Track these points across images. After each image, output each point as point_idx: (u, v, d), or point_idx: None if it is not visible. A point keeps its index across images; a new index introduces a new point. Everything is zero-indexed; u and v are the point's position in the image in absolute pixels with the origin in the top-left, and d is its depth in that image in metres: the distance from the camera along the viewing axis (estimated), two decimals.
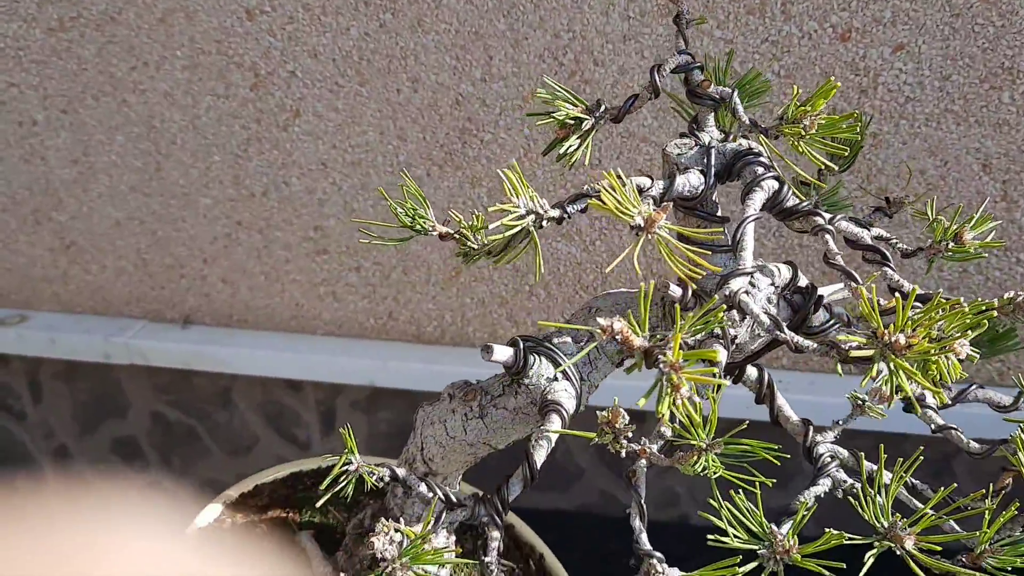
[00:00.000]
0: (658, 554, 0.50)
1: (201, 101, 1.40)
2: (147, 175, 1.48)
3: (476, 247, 0.59)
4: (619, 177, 0.48)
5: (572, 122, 0.59)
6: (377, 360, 1.46)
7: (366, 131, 1.36)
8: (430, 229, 0.58)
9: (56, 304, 1.64)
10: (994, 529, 0.47)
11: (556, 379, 0.57)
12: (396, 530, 0.52)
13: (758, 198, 0.54)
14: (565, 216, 0.55)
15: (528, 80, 1.27)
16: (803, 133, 0.53)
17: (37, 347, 1.61)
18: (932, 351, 0.43)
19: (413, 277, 1.44)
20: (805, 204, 0.55)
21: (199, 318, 1.57)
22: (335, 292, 1.49)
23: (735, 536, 0.46)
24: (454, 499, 0.55)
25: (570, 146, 0.59)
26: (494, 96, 1.29)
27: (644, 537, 0.51)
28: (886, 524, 0.48)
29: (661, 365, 0.42)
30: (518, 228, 0.52)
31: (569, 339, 0.59)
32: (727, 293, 0.50)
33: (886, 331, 0.44)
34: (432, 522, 0.53)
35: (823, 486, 0.53)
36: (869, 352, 0.45)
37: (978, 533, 0.47)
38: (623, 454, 0.50)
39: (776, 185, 0.54)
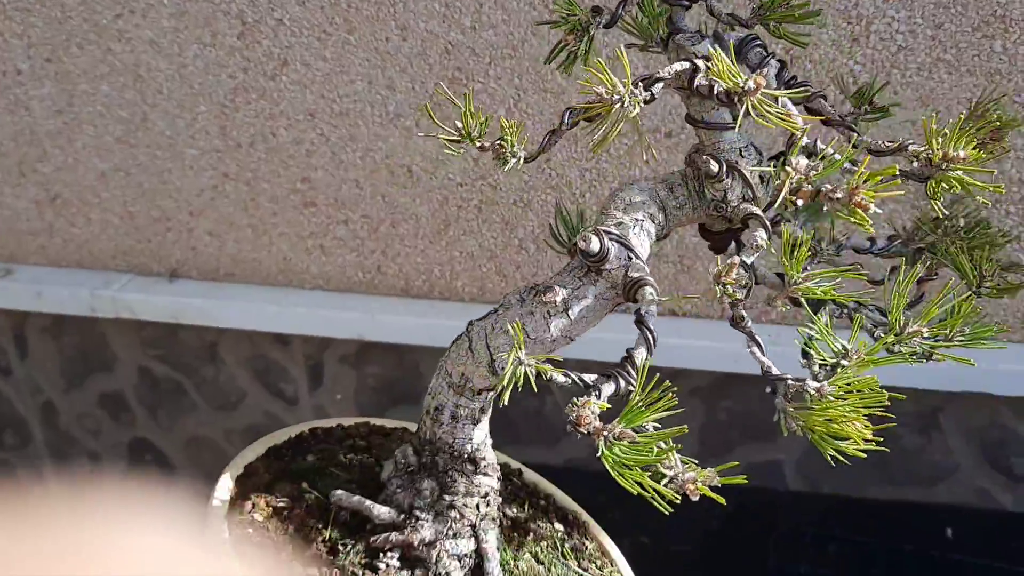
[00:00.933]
0: (790, 376, 0.58)
1: (187, 50, 1.38)
2: (133, 126, 1.46)
3: (515, 153, 0.66)
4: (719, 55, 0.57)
5: (580, 29, 0.66)
6: (365, 314, 1.46)
7: (354, 80, 1.35)
8: (477, 138, 0.65)
9: (42, 257, 1.63)
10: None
11: (631, 259, 0.64)
12: (595, 403, 0.55)
13: (771, 74, 0.62)
14: (653, 97, 0.61)
15: (518, 28, 1.26)
16: (787, 16, 0.60)
17: (23, 301, 1.60)
18: (979, 158, 0.57)
19: (401, 230, 1.43)
20: (794, 75, 0.62)
21: (186, 271, 1.56)
22: (323, 245, 1.48)
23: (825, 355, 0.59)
24: (588, 381, 0.59)
25: (576, 48, 0.67)
26: (484, 45, 1.28)
27: (772, 367, 0.60)
28: None
29: (837, 194, 0.54)
30: (632, 113, 0.58)
31: (627, 228, 0.66)
32: (804, 144, 0.60)
33: (945, 150, 0.57)
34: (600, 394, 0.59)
35: (828, 312, 0.63)
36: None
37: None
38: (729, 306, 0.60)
39: (779, 64, 0.62)
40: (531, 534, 0.79)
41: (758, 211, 0.65)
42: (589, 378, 0.59)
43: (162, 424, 1.72)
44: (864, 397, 0.55)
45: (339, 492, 0.71)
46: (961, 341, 0.60)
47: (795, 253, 0.56)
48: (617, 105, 0.57)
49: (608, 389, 0.58)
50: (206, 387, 1.66)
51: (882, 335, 0.60)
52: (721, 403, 1.44)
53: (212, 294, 1.52)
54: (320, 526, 0.69)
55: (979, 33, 1.14)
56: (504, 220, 1.40)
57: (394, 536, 0.69)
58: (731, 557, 1.42)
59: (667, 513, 0.54)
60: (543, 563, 0.76)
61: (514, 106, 1.31)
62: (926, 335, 0.59)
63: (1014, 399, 1.29)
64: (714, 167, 0.65)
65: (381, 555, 0.68)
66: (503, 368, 0.65)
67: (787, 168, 0.55)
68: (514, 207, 1.38)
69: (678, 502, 0.53)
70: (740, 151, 0.66)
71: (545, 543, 0.78)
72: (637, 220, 0.66)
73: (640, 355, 0.60)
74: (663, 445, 0.55)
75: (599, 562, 0.80)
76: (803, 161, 0.55)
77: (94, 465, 1.80)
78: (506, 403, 0.55)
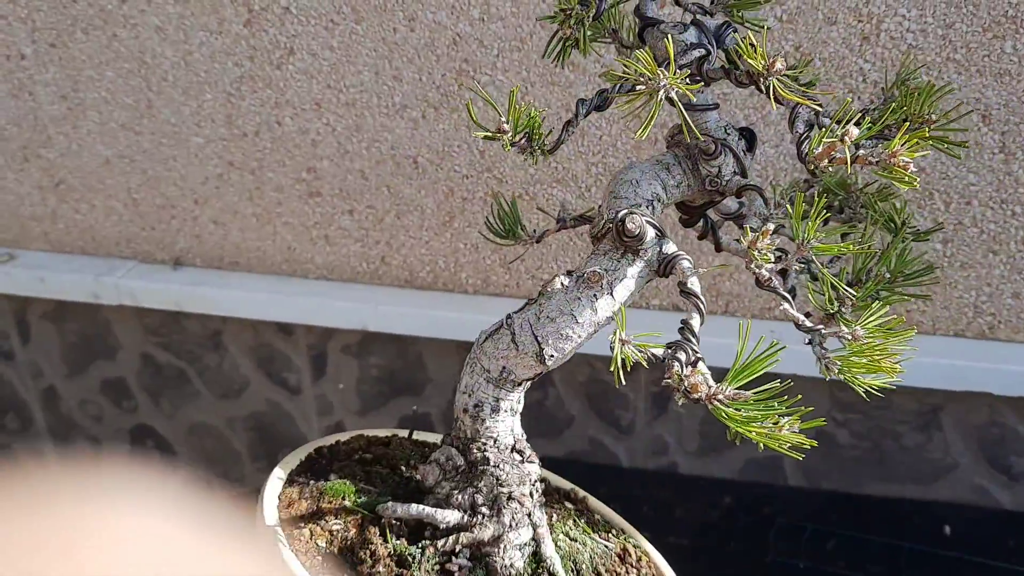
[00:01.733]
0: (822, 327, 0.66)
1: (193, 37, 1.38)
2: (138, 112, 1.46)
3: (544, 148, 0.72)
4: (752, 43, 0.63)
5: (578, 21, 0.72)
6: (369, 304, 1.46)
7: (361, 71, 1.34)
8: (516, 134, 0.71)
9: (45, 243, 1.62)
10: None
11: (661, 237, 0.69)
12: (703, 371, 0.60)
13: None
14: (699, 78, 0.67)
15: (527, 21, 1.25)
16: (743, 4, 0.71)
17: (26, 286, 1.60)
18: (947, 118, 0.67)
19: (406, 221, 1.43)
20: None
21: (190, 259, 1.56)
22: (328, 235, 1.48)
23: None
24: (660, 355, 0.62)
25: (573, 38, 0.73)
26: (492, 37, 1.27)
27: (805, 320, 0.67)
28: None
29: (873, 158, 0.60)
30: (657, 98, 0.63)
31: (645, 209, 0.71)
32: (806, 118, 0.67)
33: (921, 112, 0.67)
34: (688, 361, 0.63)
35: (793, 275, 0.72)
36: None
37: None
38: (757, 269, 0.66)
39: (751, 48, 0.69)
40: (553, 515, 0.81)
41: (754, 183, 0.71)
42: (659, 352, 0.63)
43: (164, 411, 1.72)
44: (894, 334, 0.62)
45: (391, 504, 0.71)
46: (905, 281, 0.69)
47: (814, 214, 0.62)
48: (661, 90, 0.61)
49: (683, 357, 0.62)
50: (209, 375, 1.66)
51: (850, 285, 0.68)
52: None
53: (216, 282, 1.52)
54: (380, 541, 0.69)
55: (990, 33, 1.14)
56: None
57: (464, 536, 0.70)
58: (730, 551, 1.43)
59: (800, 457, 0.58)
60: (575, 540, 0.79)
61: (522, 99, 1.30)
62: (888, 278, 0.68)
63: (1014, 399, 1.30)
64: (711, 145, 0.70)
65: (453, 557, 0.69)
66: (552, 356, 0.69)
67: (845, 137, 0.60)
68: (519, 201, 1.38)
69: (809, 447, 0.58)
70: (725, 129, 0.71)
71: (570, 521, 0.81)
72: (648, 200, 0.71)
73: (696, 322, 0.65)
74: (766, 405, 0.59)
75: (613, 531, 0.84)
76: (855, 130, 0.60)
77: (96, 450, 1.80)
78: (620, 384, 0.59)
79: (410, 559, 0.68)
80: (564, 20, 0.73)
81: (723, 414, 0.59)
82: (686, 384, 0.59)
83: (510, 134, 0.69)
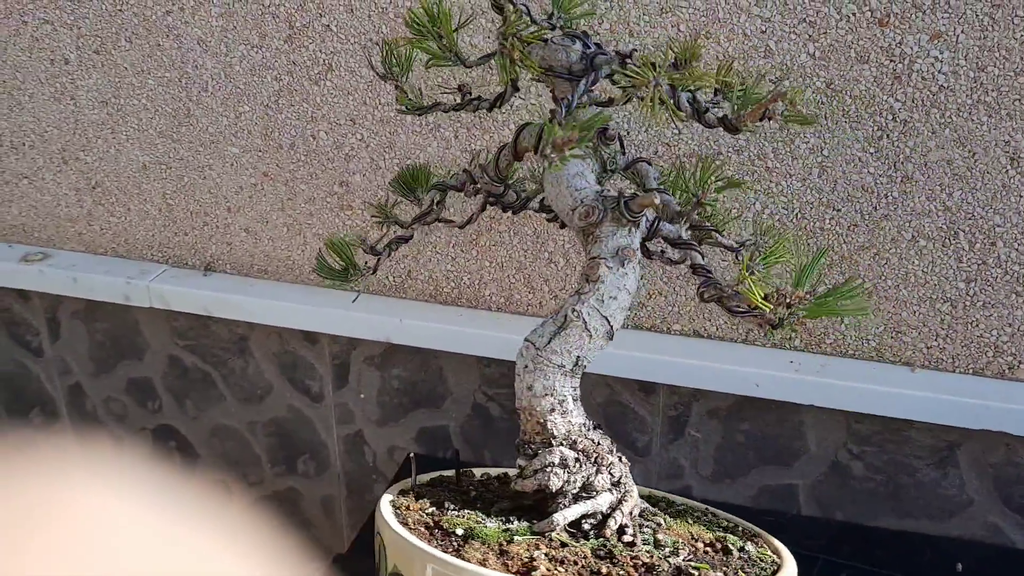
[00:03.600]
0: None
1: (234, 50, 1.41)
2: (176, 121, 1.49)
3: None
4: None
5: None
6: (393, 317, 1.48)
7: None
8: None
9: (79, 244, 1.66)
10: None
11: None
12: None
13: (611, 51, 0.85)
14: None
15: None
16: (572, 17, 0.84)
17: (58, 285, 1.63)
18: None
19: (433, 238, 1.46)
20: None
21: (220, 266, 1.59)
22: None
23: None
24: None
25: (519, 59, 0.88)
26: None
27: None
28: None
29: (780, 107, 0.73)
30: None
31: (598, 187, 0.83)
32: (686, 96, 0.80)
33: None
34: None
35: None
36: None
37: None
38: None
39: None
40: None
41: (644, 156, 0.86)
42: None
43: (188, 413, 1.75)
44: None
45: (555, 516, 0.76)
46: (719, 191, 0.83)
47: (709, 172, 0.77)
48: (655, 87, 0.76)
49: (720, 284, 0.77)
50: (234, 379, 1.69)
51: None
52: (739, 426, 1.45)
53: (245, 290, 1.55)
54: (566, 554, 0.73)
55: (1022, 78, 1.15)
56: (535, 233, 1.42)
57: (625, 507, 0.78)
58: None
59: (868, 315, 0.71)
60: None
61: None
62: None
63: None
64: (612, 132, 0.85)
65: (624, 530, 0.77)
66: (616, 330, 0.78)
67: (780, 100, 0.72)
68: (546, 222, 1.40)
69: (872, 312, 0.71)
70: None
71: None
72: (597, 186, 0.81)
73: (701, 260, 0.77)
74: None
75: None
76: (786, 90, 0.74)
77: (118, 447, 1.83)
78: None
79: (602, 551, 0.73)
80: (515, 44, 0.83)
81: (811, 312, 0.71)
82: (787, 293, 0.70)
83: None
